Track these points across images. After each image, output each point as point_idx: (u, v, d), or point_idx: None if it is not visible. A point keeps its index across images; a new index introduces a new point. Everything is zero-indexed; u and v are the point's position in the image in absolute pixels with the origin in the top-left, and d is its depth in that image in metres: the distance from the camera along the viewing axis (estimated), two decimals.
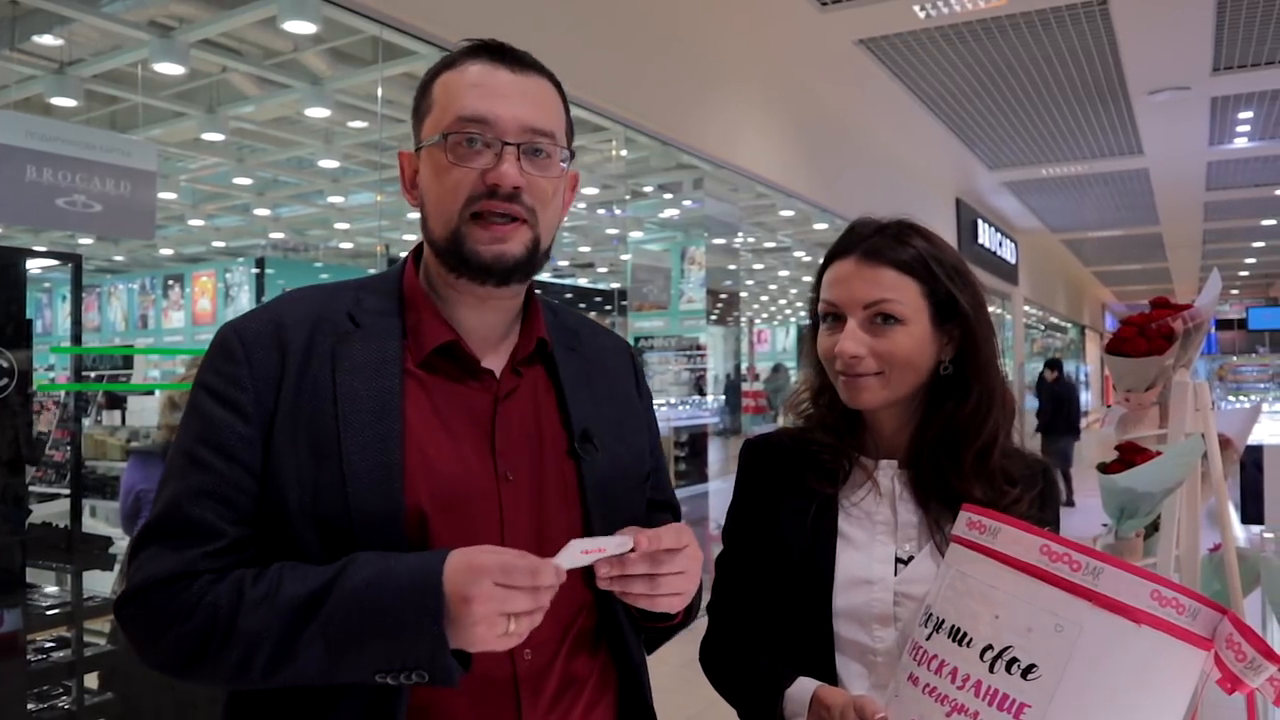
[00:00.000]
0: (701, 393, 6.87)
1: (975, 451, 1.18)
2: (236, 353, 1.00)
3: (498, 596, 0.85)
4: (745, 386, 7.40)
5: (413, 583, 0.87)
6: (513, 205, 1.00)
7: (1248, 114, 8.49)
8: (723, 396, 7.11)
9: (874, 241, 1.20)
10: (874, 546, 1.18)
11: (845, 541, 1.18)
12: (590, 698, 1.07)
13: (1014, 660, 0.88)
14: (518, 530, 1.02)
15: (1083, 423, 11.82)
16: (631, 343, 7.04)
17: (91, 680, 3.20)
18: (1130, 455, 2.01)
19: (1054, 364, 11.66)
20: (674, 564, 0.96)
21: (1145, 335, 2.06)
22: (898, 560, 1.17)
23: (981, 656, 0.90)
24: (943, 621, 0.95)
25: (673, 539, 0.96)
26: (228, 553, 0.95)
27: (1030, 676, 0.87)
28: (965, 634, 0.92)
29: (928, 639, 0.97)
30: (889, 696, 1.01)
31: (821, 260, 1.27)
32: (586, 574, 1.00)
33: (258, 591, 0.91)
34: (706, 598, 1.30)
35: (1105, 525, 2.13)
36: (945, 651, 0.93)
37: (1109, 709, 0.85)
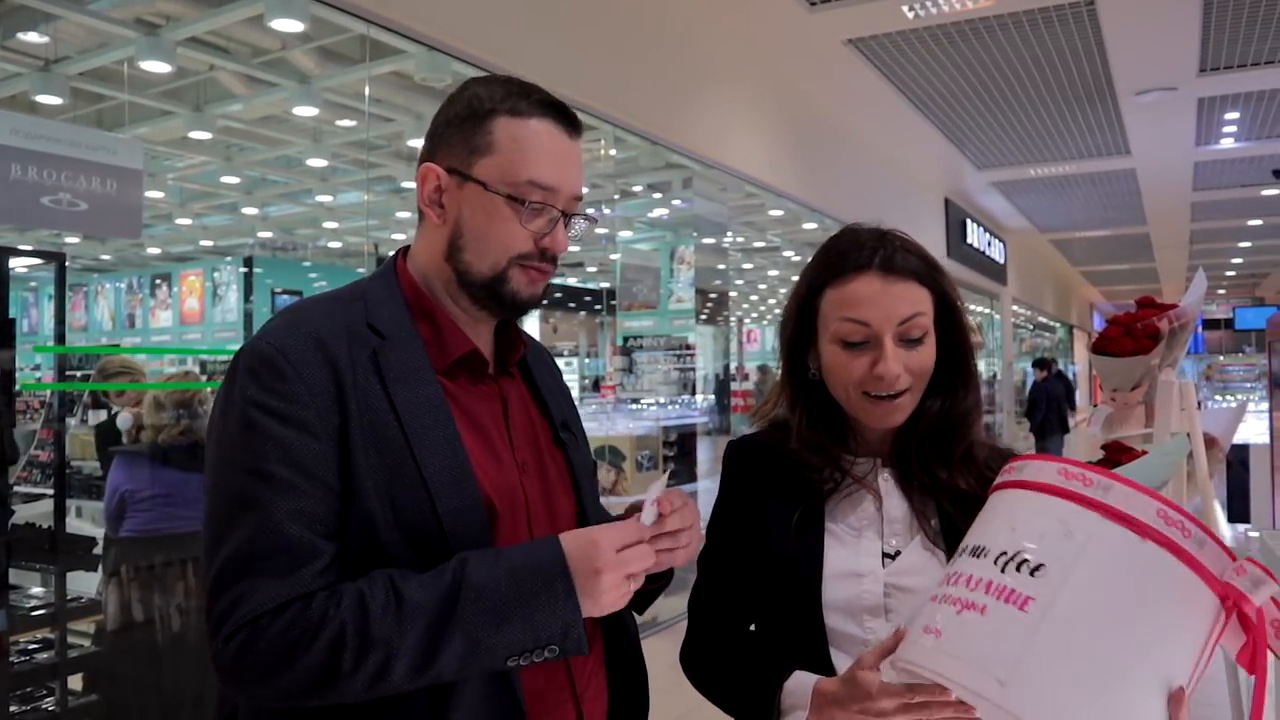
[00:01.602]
0: (691, 392, 6.87)
1: (965, 446, 1.21)
2: (286, 370, 0.99)
3: (622, 561, 0.97)
4: (734, 386, 7.40)
5: (539, 568, 0.96)
6: (553, 265, 1.12)
7: (1234, 115, 8.54)
8: (712, 396, 7.11)
9: (885, 254, 1.17)
10: (860, 542, 1.19)
11: (832, 538, 1.19)
12: (600, 659, 1.17)
13: (1024, 561, 0.92)
14: (538, 516, 1.12)
15: (1071, 421, 11.83)
16: (621, 342, 7.06)
17: (75, 682, 3.18)
18: (1116, 454, 2.01)
19: (1042, 363, 11.69)
20: (685, 519, 1.05)
21: (1131, 335, 2.06)
22: (884, 555, 1.18)
23: (995, 562, 0.94)
24: (967, 546, 1.00)
25: (679, 499, 1.05)
26: (331, 569, 0.97)
27: (1038, 574, 0.91)
28: (984, 548, 0.97)
29: (950, 564, 1.01)
30: (910, 620, 1.04)
31: (811, 279, 1.22)
32: None
33: (378, 600, 0.93)
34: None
35: None
36: (964, 566, 0.98)
37: (1109, 613, 0.88)
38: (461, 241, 1.08)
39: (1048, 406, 10.75)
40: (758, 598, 1.23)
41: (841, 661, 1.15)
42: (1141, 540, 0.88)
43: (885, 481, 1.22)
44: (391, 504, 0.99)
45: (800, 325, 1.23)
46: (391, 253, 1.20)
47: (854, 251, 1.18)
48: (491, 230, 1.07)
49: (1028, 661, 0.86)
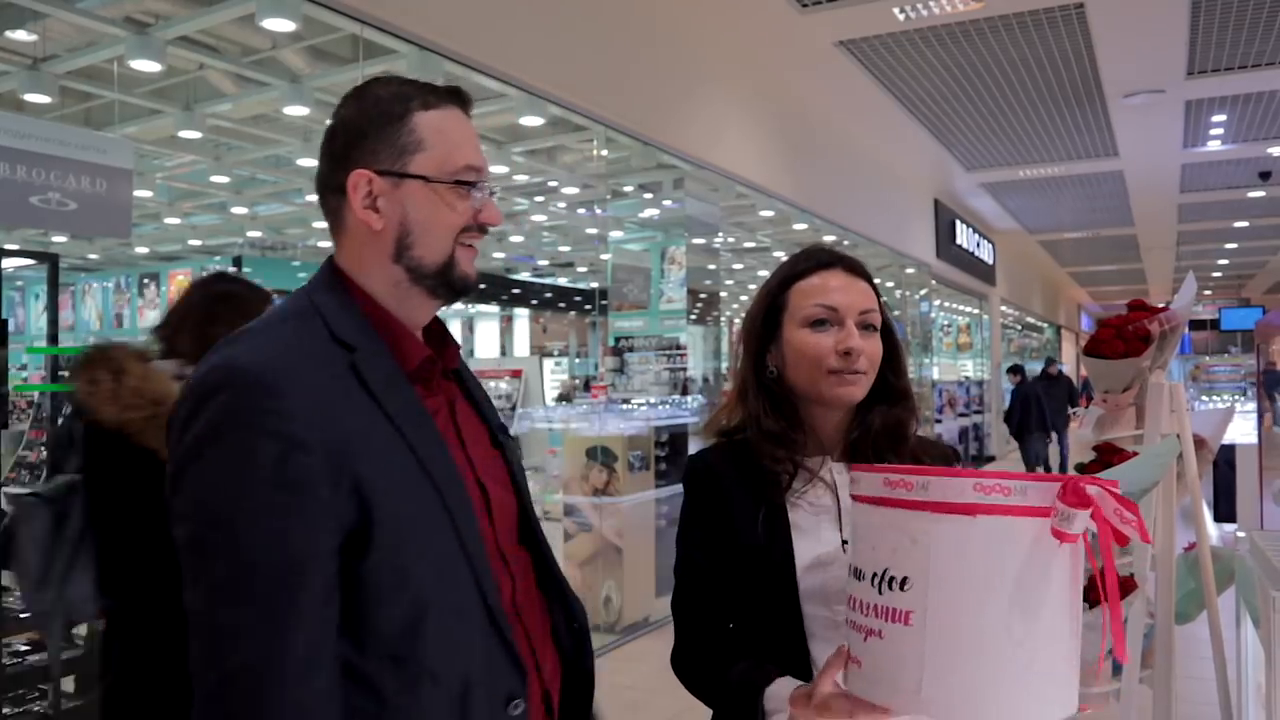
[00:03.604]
0: (683, 392, 6.88)
1: (910, 444, 1.36)
2: (283, 388, 1.00)
3: None
4: (725, 386, 7.41)
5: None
6: (483, 236, 1.18)
7: (1221, 117, 8.60)
8: (703, 396, 7.12)
9: (846, 261, 1.37)
10: (821, 532, 1.29)
11: (796, 530, 1.30)
12: (547, 632, 1.21)
13: (891, 578, 1.00)
14: (497, 514, 1.16)
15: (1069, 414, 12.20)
16: (612, 342, 7.06)
17: (68, 684, 3.16)
18: (1107, 456, 2.03)
19: (1015, 369, 12.58)
20: None
21: (1122, 337, 2.08)
22: (844, 542, 1.29)
23: (872, 583, 1.02)
24: (850, 567, 1.09)
25: None
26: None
27: (906, 588, 0.99)
28: (860, 570, 1.05)
29: (846, 586, 1.11)
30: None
31: (781, 277, 1.38)
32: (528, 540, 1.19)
33: None
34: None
35: None
36: (853, 589, 1.06)
37: (976, 593, 0.96)
38: (410, 239, 1.12)
39: (1023, 409, 11.33)
40: (735, 595, 1.31)
41: (815, 644, 1.25)
42: (973, 519, 0.95)
43: (840, 475, 1.32)
44: (404, 500, 1.02)
45: (766, 322, 1.37)
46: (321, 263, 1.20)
47: (819, 253, 1.38)
48: (439, 218, 1.12)
49: (930, 668, 0.96)
